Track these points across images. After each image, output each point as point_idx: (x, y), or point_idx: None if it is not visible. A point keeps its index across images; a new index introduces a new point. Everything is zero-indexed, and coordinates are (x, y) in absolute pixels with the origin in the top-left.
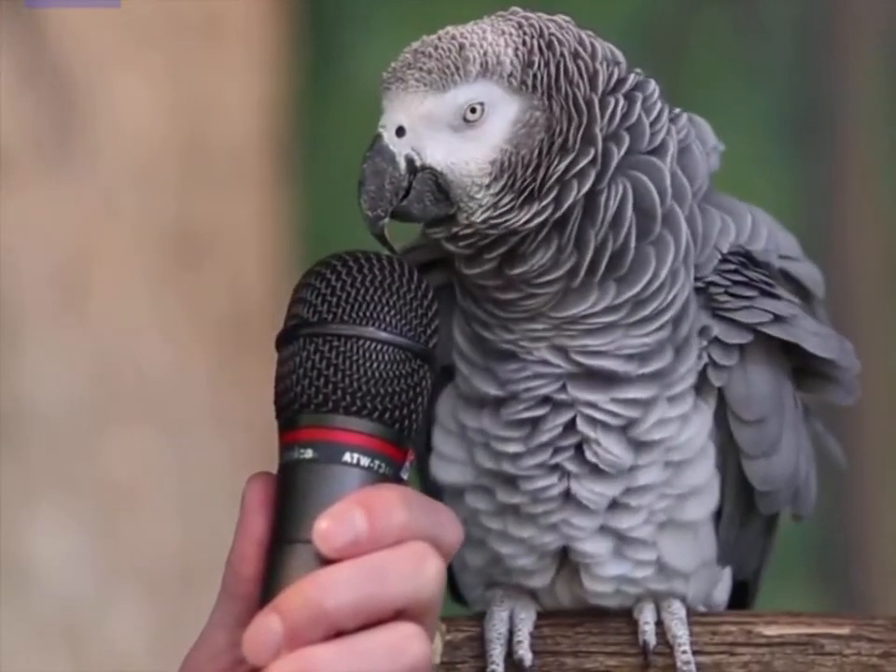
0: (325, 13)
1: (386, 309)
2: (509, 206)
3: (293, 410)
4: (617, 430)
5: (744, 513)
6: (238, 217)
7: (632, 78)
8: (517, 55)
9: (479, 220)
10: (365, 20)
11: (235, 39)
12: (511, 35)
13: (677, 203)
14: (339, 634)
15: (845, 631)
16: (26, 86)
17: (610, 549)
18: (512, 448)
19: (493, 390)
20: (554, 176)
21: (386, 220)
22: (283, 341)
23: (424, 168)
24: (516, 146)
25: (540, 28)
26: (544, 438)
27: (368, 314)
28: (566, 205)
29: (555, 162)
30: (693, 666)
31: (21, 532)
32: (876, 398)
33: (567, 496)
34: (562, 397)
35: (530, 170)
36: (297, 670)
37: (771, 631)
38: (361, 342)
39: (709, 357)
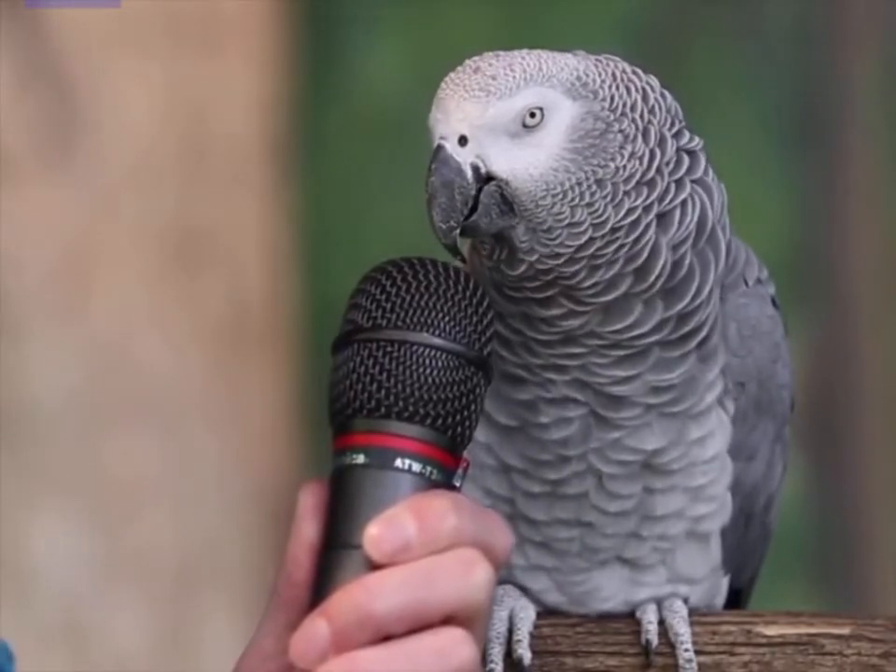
0: (325, 13)
1: (441, 315)
2: (580, 221)
3: (346, 415)
4: (635, 465)
5: (748, 516)
6: (238, 216)
7: (697, 141)
8: (577, 64)
9: (545, 229)
10: (365, 19)
11: (235, 39)
12: (569, 55)
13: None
14: (387, 638)
15: (845, 631)
16: (26, 86)
17: (625, 577)
18: (535, 487)
19: (502, 418)
20: (632, 199)
21: (458, 231)
22: (337, 346)
23: (489, 176)
24: (582, 154)
25: (604, 59)
26: (570, 490)
27: (422, 319)
28: (641, 227)
29: (632, 184)
30: (695, 665)
31: (21, 532)
32: (877, 401)
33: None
34: (581, 450)
35: (602, 185)
36: None
37: (771, 631)
38: (415, 347)
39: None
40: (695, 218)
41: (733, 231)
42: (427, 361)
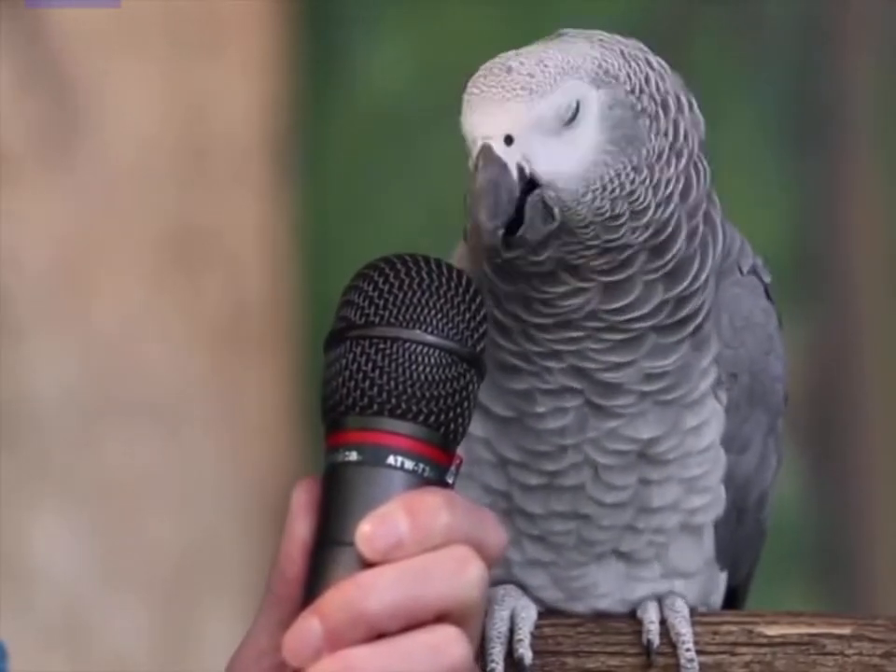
0: (325, 13)
1: (433, 312)
2: (620, 214)
3: (338, 412)
4: (631, 455)
5: (740, 510)
6: (238, 217)
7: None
8: (594, 52)
9: (583, 225)
10: (366, 19)
11: (235, 39)
12: (585, 41)
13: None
14: (380, 636)
15: (846, 631)
16: (26, 86)
17: (621, 572)
18: (532, 480)
19: (499, 409)
20: (666, 178)
21: (503, 231)
22: (329, 343)
23: (532, 180)
24: (618, 144)
25: (608, 38)
26: (566, 482)
27: (414, 316)
28: (671, 207)
29: (664, 160)
30: (696, 665)
31: (21, 532)
32: (877, 400)
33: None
34: (577, 440)
35: (638, 171)
36: (336, 671)
37: (772, 631)
38: (407, 344)
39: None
40: (704, 188)
41: (725, 215)
42: (420, 358)
